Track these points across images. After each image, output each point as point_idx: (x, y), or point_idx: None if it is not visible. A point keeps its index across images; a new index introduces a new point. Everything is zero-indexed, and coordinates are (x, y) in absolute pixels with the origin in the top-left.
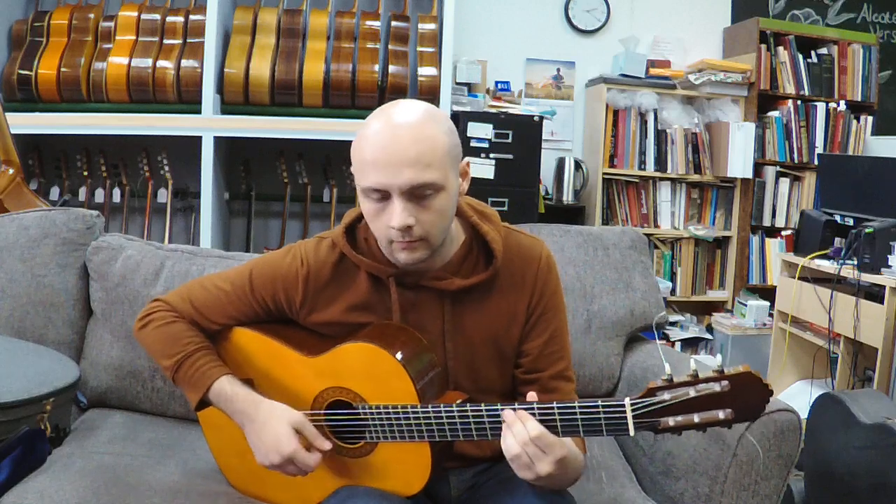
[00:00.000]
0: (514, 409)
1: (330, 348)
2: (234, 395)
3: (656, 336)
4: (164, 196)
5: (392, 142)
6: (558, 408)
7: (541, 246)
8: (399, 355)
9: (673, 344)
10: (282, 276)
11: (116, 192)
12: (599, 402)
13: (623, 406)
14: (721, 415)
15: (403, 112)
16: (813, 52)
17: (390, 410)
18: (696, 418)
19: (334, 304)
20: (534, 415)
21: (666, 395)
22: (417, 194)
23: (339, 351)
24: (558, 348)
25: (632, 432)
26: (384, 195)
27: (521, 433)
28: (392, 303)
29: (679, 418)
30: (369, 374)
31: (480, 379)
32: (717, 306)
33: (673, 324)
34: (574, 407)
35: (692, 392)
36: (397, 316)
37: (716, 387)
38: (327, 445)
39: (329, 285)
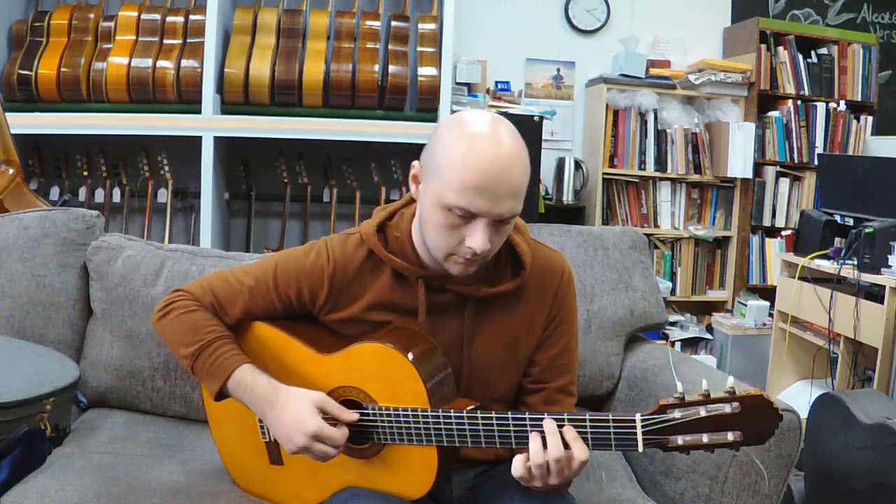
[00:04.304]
0: (526, 419)
1: (343, 347)
2: (255, 383)
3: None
4: (164, 196)
5: (505, 171)
6: (569, 420)
7: (563, 260)
8: (411, 356)
9: (673, 344)
10: (307, 272)
11: (116, 192)
12: (610, 417)
13: (633, 422)
14: (730, 436)
15: (505, 136)
16: (813, 52)
17: (400, 413)
18: (704, 438)
19: (357, 300)
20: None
21: (677, 414)
22: (502, 221)
23: (351, 350)
24: (567, 362)
25: (640, 449)
26: (471, 217)
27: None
28: (419, 304)
29: (688, 437)
30: (381, 375)
31: (492, 386)
32: (717, 306)
33: (673, 324)
34: (585, 420)
35: (703, 412)
36: (423, 317)
37: (726, 408)
38: (354, 416)
39: (354, 282)
